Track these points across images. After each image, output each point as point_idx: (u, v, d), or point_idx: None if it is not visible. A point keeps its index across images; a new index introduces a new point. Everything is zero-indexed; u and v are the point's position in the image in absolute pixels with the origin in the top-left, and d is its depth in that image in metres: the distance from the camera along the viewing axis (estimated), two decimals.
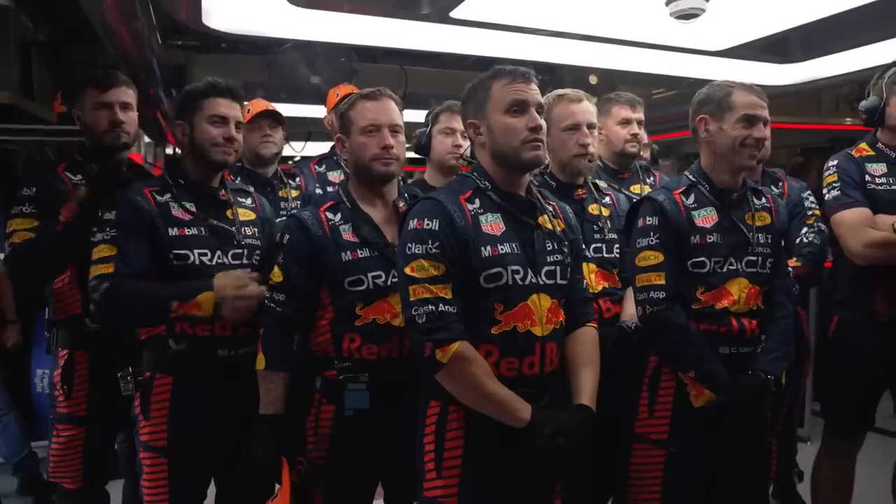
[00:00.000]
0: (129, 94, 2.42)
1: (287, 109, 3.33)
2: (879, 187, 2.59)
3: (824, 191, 2.65)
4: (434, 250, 1.66)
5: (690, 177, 2.20)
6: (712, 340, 2.06)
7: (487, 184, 1.84)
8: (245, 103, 2.43)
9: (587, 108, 2.36)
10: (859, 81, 5.62)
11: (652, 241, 2.07)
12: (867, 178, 2.61)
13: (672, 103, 6.20)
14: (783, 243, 2.27)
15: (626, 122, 2.84)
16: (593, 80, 5.41)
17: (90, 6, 3.03)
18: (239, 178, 2.67)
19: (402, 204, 2.01)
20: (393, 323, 1.87)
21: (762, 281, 2.13)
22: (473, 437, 1.73)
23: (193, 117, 2.06)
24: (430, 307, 1.63)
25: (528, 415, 1.65)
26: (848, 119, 8.04)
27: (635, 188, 2.81)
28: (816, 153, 7.87)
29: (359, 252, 1.91)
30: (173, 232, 1.97)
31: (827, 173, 2.68)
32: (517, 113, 1.76)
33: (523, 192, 1.89)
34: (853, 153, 2.69)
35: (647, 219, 2.11)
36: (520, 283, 1.74)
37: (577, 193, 2.40)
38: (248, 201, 2.24)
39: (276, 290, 1.93)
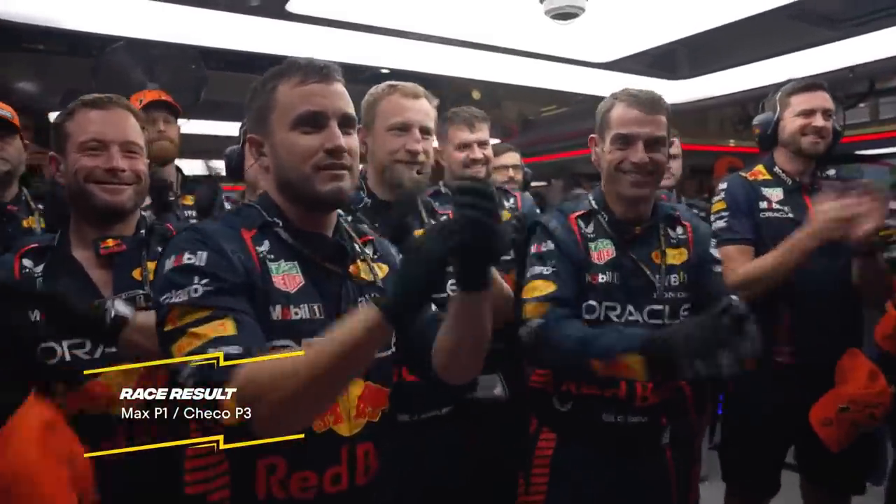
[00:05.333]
0: None
1: None
2: (775, 213, 2.33)
3: (712, 217, 2.39)
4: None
5: (592, 201, 1.81)
6: (595, 406, 1.70)
7: (278, 220, 1.27)
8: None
9: (424, 108, 1.82)
10: (742, 103, 5.63)
11: (546, 270, 1.69)
12: (763, 203, 2.34)
13: (561, 121, 5.91)
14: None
15: (465, 145, 2.35)
16: (476, 95, 5.01)
17: None
18: None
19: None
20: None
21: None
22: None
23: None
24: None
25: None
26: (731, 141, 8.16)
27: None
28: (704, 174, 7.91)
29: None
30: None
31: (716, 199, 2.42)
32: (309, 128, 1.19)
33: (330, 231, 1.32)
34: (748, 176, 2.44)
35: (541, 245, 1.73)
36: None
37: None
38: None
39: None
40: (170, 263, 1.13)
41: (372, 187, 1.87)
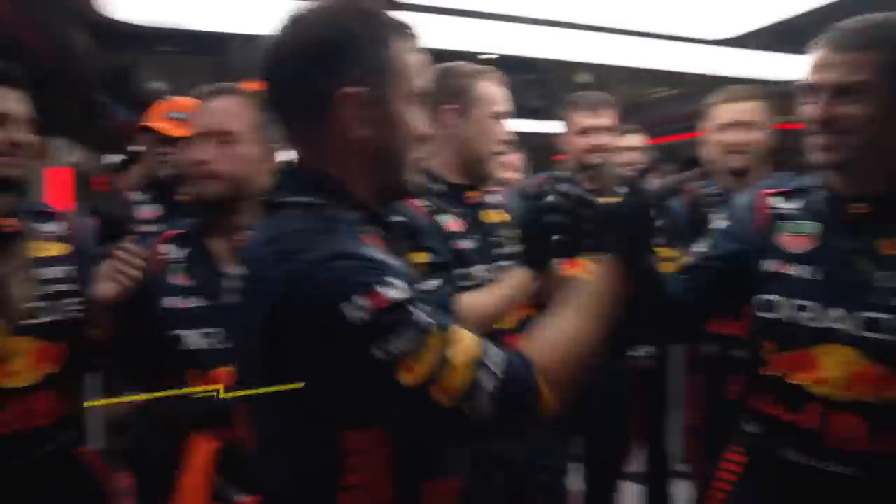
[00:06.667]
0: None
1: None
2: None
3: None
4: None
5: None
6: (777, 434, 1.31)
7: None
8: None
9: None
10: None
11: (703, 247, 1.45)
12: None
13: (670, 103, 5.66)
14: None
15: (587, 130, 2.24)
16: (584, 77, 4.88)
17: None
18: None
19: None
20: None
21: None
22: None
23: None
24: None
25: None
26: None
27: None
28: None
29: None
30: None
31: None
32: None
33: None
34: None
35: (716, 223, 1.48)
36: None
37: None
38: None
39: None
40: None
41: (445, 172, 1.67)
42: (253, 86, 2.92)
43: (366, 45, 0.89)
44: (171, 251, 1.44)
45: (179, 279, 1.42)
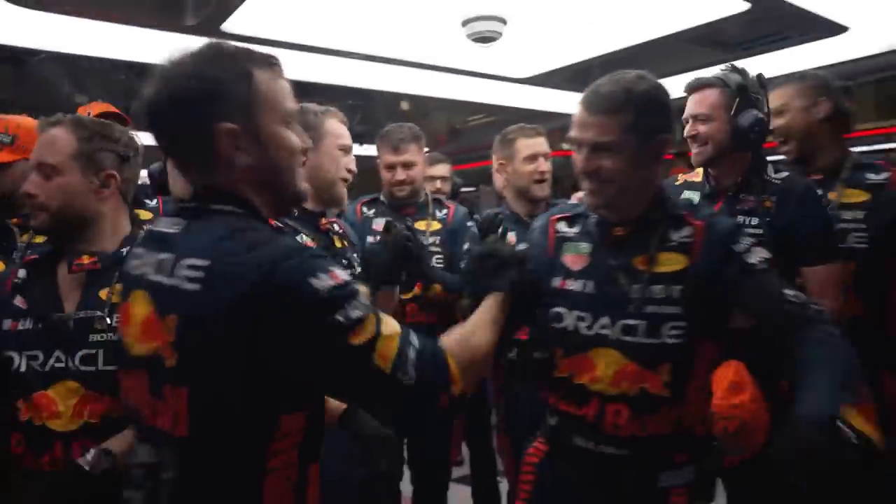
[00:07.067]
0: None
1: None
2: None
3: None
4: None
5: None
6: (569, 426, 1.50)
7: None
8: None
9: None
10: None
11: None
12: None
13: (488, 130, 6.19)
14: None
15: (391, 167, 2.51)
16: (405, 105, 5.22)
17: None
18: None
19: None
20: None
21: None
22: None
23: None
24: None
25: None
26: None
27: (420, 224, 2.51)
28: None
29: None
30: None
31: None
32: None
33: None
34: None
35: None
36: None
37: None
38: None
39: None
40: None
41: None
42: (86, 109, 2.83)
43: (231, 84, 0.99)
44: (22, 274, 1.44)
45: (17, 302, 1.41)
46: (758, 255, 1.35)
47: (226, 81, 0.99)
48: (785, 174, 1.87)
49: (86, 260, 1.39)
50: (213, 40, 1.03)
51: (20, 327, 1.37)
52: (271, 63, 1.05)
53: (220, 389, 0.93)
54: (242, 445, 0.97)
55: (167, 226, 1.04)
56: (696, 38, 3.70)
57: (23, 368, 1.33)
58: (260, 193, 1.05)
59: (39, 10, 2.83)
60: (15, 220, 1.93)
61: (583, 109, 1.38)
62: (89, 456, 1.15)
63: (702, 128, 1.87)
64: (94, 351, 1.32)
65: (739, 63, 1.91)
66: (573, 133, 1.41)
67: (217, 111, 0.98)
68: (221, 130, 0.98)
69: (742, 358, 1.44)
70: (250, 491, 0.97)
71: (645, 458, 1.39)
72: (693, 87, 1.91)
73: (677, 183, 2.08)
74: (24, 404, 1.31)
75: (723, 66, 1.89)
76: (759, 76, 1.89)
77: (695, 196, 1.96)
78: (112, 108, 2.73)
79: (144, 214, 1.91)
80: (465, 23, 2.89)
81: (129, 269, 1.08)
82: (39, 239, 1.87)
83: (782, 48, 3.87)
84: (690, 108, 1.91)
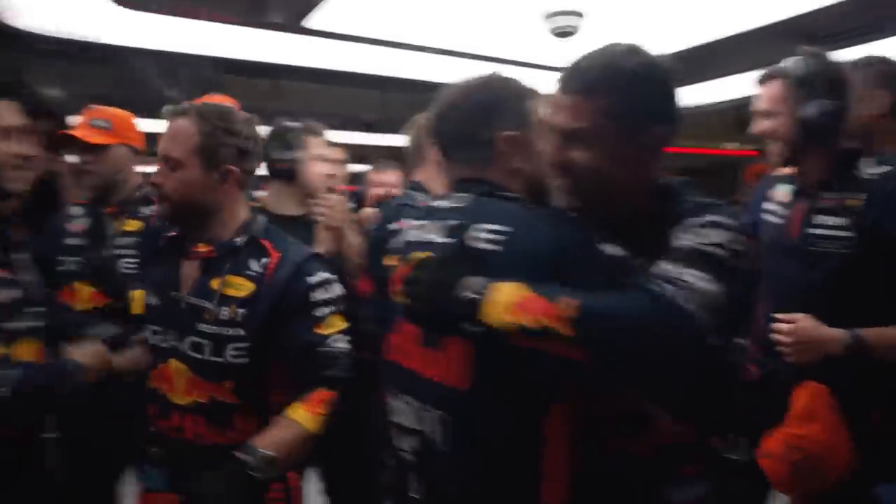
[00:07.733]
0: None
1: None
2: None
3: None
4: None
5: None
6: None
7: None
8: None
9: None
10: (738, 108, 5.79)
11: None
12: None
13: None
14: None
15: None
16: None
17: None
18: None
19: None
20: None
21: None
22: None
23: None
24: None
25: None
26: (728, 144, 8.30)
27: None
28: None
29: None
30: None
31: None
32: None
33: None
34: None
35: None
36: None
37: None
38: None
39: None
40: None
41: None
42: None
43: (512, 102, 1.14)
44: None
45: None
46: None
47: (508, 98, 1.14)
48: (886, 169, 1.63)
49: (202, 248, 1.44)
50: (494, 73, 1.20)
51: (149, 302, 1.49)
52: (535, 93, 1.18)
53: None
54: (524, 401, 1.01)
55: (451, 201, 1.12)
56: (784, 33, 3.52)
57: (151, 341, 1.46)
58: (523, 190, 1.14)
59: (131, 8, 2.95)
60: (108, 209, 2.02)
61: (558, 87, 1.09)
62: (251, 457, 1.24)
63: (766, 124, 1.69)
64: (202, 341, 1.37)
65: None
66: (547, 115, 1.12)
67: (503, 120, 1.12)
68: (506, 136, 1.11)
69: (826, 380, 1.32)
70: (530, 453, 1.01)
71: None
72: (760, 81, 1.74)
73: (773, 175, 1.87)
74: (153, 373, 1.44)
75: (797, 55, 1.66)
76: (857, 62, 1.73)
77: (788, 190, 1.78)
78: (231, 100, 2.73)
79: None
80: (546, 17, 2.84)
81: (406, 238, 1.17)
82: (131, 227, 2.00)
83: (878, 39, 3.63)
84: (754, 103, 1.75)
